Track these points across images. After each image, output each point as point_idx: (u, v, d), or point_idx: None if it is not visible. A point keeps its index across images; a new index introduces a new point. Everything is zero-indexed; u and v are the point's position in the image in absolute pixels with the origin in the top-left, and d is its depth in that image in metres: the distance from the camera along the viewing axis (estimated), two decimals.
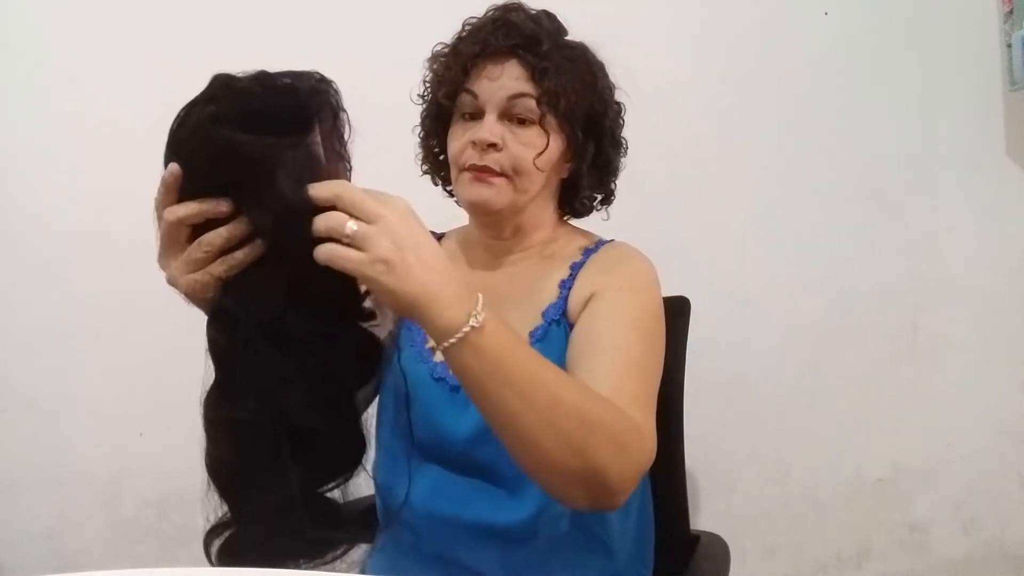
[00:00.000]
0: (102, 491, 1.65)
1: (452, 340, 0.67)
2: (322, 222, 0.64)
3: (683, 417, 1.16)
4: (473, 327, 0.67)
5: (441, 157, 1.04)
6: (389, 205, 0.66)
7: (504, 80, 0.94)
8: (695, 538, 1.14)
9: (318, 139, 0.67)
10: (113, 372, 1.62)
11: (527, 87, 0.93)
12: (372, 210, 0.64)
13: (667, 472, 1.07)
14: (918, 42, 1.63)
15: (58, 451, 1.64)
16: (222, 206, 0.65)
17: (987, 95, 1.63)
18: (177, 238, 0.67)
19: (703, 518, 1.18)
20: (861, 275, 1.65)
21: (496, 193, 0.94)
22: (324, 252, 0.64)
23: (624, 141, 1.05)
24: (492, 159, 0.93)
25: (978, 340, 1.66)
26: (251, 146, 0.63)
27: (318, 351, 0.67)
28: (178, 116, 0.66)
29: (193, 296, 0.68)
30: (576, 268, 0.97)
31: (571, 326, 0.93)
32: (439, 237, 1.10)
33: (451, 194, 1.05)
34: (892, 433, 1.67)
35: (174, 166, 0.65)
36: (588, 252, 0.99)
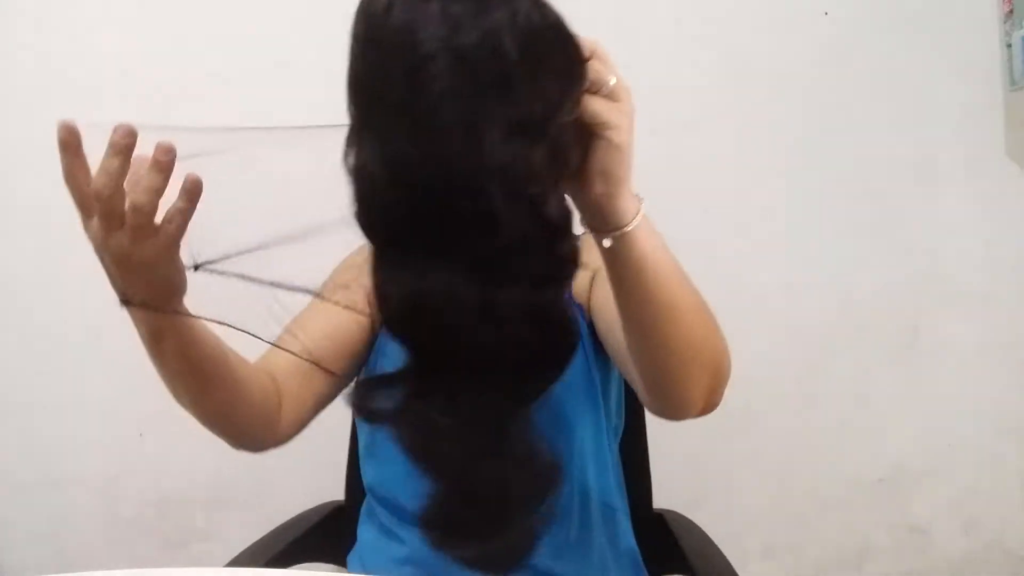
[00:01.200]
0: (102, 491, 1.65)
1: (637, 219, 0.66)
2: (591, 70, 0.62)
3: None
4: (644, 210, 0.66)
5: None
6: None
7: None
8: (659, 515, 1.17)
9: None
10: (113, 372, 1.61)
11: None
12: (617, 71, 0.64)
13: (633, 449, 1.12)
14: (918, 42, 1.63)
15: (58, 451, 1.64)
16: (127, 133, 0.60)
17: (987, 95, 1.63)
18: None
19: (703, 517, 1.18)
20: (861, 275, 1.65)
21: None
22: (591, 101, 0.62)
23: None
24: None
25: (978, 340, 1.66)
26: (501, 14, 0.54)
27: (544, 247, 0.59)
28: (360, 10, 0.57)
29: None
30: None
31: (579, 307, 0.96)
32: None
33: None
34: (892, 433, 1.67)
35: (69, 124, 0.61)
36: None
